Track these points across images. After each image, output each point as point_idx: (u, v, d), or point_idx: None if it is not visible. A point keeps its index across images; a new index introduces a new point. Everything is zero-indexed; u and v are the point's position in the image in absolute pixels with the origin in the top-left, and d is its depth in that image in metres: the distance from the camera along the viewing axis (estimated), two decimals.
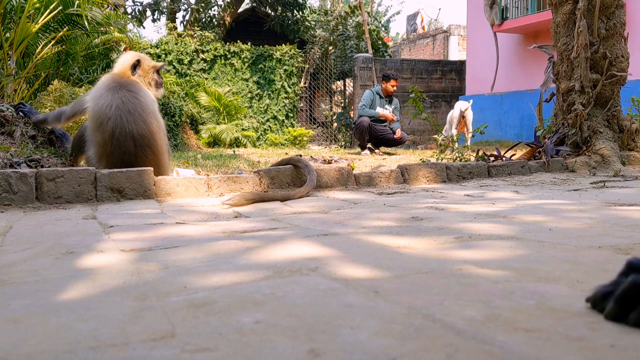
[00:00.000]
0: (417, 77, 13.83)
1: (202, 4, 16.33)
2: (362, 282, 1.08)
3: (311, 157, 6.50)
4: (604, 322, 0.81)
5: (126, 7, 15.57)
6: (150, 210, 2.34)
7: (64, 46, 6.57)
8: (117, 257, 1.38)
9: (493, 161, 4.21)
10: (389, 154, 8.11)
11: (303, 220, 2.00)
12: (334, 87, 15.79)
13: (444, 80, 14.18)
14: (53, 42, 6.10)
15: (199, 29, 14.85)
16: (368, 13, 17.30)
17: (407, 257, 1.31)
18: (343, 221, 1.96)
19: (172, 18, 16.86)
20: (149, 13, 16.62)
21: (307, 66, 13.97)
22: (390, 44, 21.37)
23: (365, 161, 6.07)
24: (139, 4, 16.56)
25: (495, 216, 2.02)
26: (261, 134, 13.00)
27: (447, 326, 0.81)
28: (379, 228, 1.79)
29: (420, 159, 4.81)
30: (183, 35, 13.72)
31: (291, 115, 13.53)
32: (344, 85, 15.01)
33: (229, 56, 13.15)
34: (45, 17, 5.74)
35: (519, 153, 5.18)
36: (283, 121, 13.38)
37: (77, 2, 6.05)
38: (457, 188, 3.24)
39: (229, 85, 12.86)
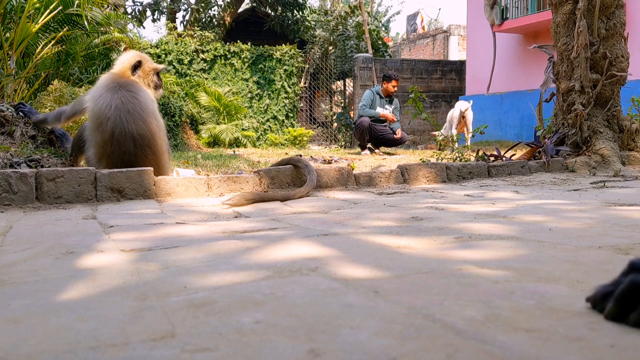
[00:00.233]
0: (417, 77, 13.83)
1: (202, 4, 16.33)
2: (362, 282, 1.08)
3: (311, 157, 6.50)
4: (604, 322, 0.81)
5: (126, 7, 15.58)
6: (150, 210, 2.34)
7: (64, 46, 6.57)
8: (117, 257, 1.38)
9: (493, 161, 4.21)
10: (389, 154, 8.11)
11: (303, 220, 2.00)
12: (334, 87, 15.79)
13: (444, 80, 14.18)
14: (53, 42, 6.10)
15: (199, 29, 14.85)
16: (368, 13, 17.31)
17: (407, 257, 1.31)
18: (343, 221, 1.96)
19: (172, 18, 16.86)
20: (149, 13, 16.63)
21: (307, 66, 13.97)
22: (390, 44, 21.37)
23: (365, 161, 6.07)
24: (139, 4, 16.57)
25: (495, 216, 2.02)
26: (261, 134, 13.00)
27: (447, 326, 0.81)
28: (379, 228, 1.79)
29: (420, 159, 4.81)
30: (183, 35, 13.72)
31: (291, 115, 13.53)
32: (344, 85, 15.01)
33: (229, 56, 13.16)
34: (45, 17, 5.74)
35: (519, 153, 5.18)
36: (283, 121, 13.38)
37: (77, 2, 6.05)
38: (457, 188, 3.24)
39: (229, 85, 12.86)
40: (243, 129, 11.82)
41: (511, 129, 11.72)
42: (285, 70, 13.41)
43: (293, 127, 13.04)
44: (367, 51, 13.54)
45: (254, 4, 17.76)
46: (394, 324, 0.83)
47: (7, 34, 5.54)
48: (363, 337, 0.77)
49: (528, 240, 1.52)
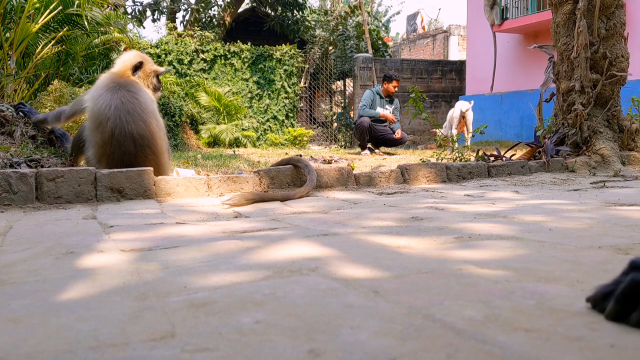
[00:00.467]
0: (417, 77, 13.84)
1: (202, 4, 16.33)
2: (362, 282, 1.08)
3: (311, 157, 6.50)
4: (604, 322, 0.81)
5: (126, 7, 15.58)
6: (150, 210, 2.34)
7: (64, 46, 6.57)
8: (117, 257, 1.38)
9: (493, 161, 4.21)
10: (389, 154, 8.11)
11: (303, 220, 2.00)
12: (334, 87, 15.79)
13: (444, 80, 14.18)
14: (53, 42, 6.10)
15: (199, 29, 14.85)
16: (368, 13, 17.31)
17: (407, 257, 1.31)
18: (343, 221, 1.96)
19: (172, 18, 16.86)
20: (149, 13, 16.63)
21: (307, 66, 13.97)
22: (390, 44, 21.37)
23: (365, 161, 6.07)
24: (139, 4, 16.57)
25: (495, 216, 2.02)
26: (261, 134, 13.00)
27: (447, 326, 0.81)
28: (379, 228, 1.79)
29: (420, 159, 4.81)
30: (183, 35, 13.72)
31: (291, 115, 13.53)
32: (344, 85, 15.01)
33: (229, 56, 13.16)
34: (45, 17, 5.74)
35: (519, 153, 5.18)
36: (283, 121, 13.38)
37: (77, 2, 6.05)
38: (457, 188, 3.24)
39: (229, 85, 12.86)
40: (243, 129, 11.82)
41: (511, 129, 11.72)
42: (285, 70, 13.41)
43: (293, 127, 13.04)
44: (367, 51, 13.54)
45: (254, 4, 17.76)
46: (394, 324, 0.83)
47: (7, 34, 5.54)
48: (363, 337, 0.77)
49: (528, 240, 1.52)
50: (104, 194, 2.63)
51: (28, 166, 3.11)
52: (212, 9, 16.90)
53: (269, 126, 13.29)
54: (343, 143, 12.49)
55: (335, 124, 13.99)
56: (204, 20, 16.69)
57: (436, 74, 14.15)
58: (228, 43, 13.35)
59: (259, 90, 13.32)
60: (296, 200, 2.69)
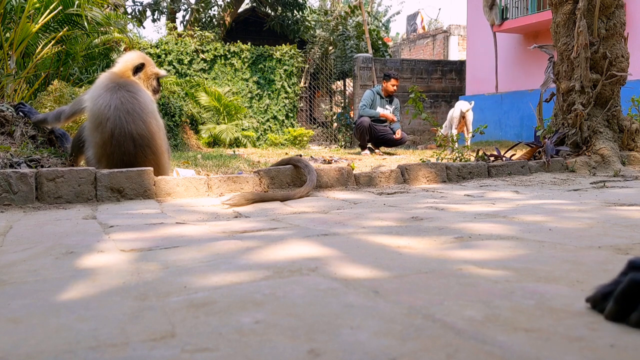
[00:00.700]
0: (417, 77, 13.84)
1: (202, 4, 16.33)
2: (362, 282, 1.08)
3: (311, 157, 6.50)
4: (604, 322, 0.81)
5: (126, 7, 15.58)
6: (150, 210, 2.34)
7: (64, 46, 6.57)
8: (117, 257, 1.38)
9: (493, 161, 4.21)
10: (389, 154, 8.11)
11: (303, 220, 2.00)
12: (334, 87, 15.79)
13: (444, 80, 14.18)
14: (53, 42, 6.10)
15: (199, 29, 14.85)
16: (368, 13, 17.31)
17: (407, 257, 1.31)
18: (343, 221, 1.96)
19: (172, 18, 16.86)
20: (149, 13, 16.63)
21: (307, 66, 13.97)
22: (390, 44, 21.37)
23: (365, 161, 6.07)
24: (139, 4, 16.57)
25: (495, 216, 2.02)
26: (261, 134, 13.01)
27: (447, 326, 0.81)
28: (379, 228, 1.79)
29: (420, 159, 4.81)
30: (183, 35, 13.72)
31: (291, 115, 13.54)
32: (344, 85, 15.01)
33: (229, 56, 13.16)
34: (45, 17, 5.74)
35: (519, 153, 5.18)
36: (283, 121, 13.39)
37: (77, 2, 6.05)
38: (457, 188, 3.24)
39: (229, 85, 12.86)
40: (243, 129, 11.82)
41: (511, 129, 11.72)
42: (285, 70, 13.41)
43: (293, 127, 13.04)
44: (367, 51, 13.54)
45: (254, 4, 17.76)
46: (394, 324, 0.83)
47: (7, 34, 5.54)
48: (363, 337, 0.77)
49: (528, 240, 1.52)
50: (104, 194, 2.63)
51: (28, 166, 3.11)
52: (212, 9, 16.91)
53: (269, 126, 13.30)
54: (343, 143, 12.49)
55: (335, 124, 13.99)
56: (204, 20, 16.70)
57: (436, 74, 14.15)
58: (228, 43, 13.35)
59: (259, 90, 13.32)
60: (296, 200, 2.69)
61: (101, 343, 0.77)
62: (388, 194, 2.97)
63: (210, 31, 14.85)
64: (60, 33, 6.11)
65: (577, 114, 4.58)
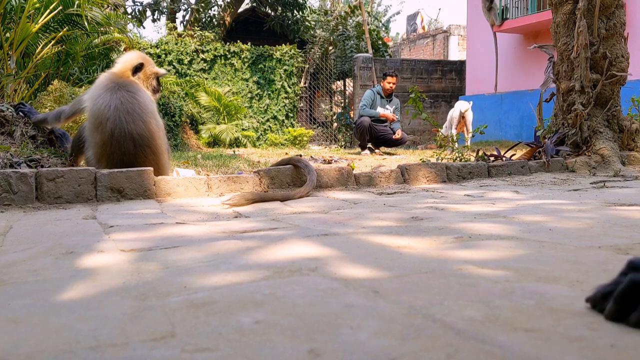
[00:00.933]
0: (417, 77, 13.83)
1: (202, 4, 16.33)
2: (362, 282, 1.08)
3: (311, 157, 6.50)
4: (604, 322, 0.81)
5: (126, 7, 15.58)
6: (150, 210, 2.34)
7: (64, 46, 6.57)
8: (117, 257, 1.38)
9: (493, 161, 4.21)
10: (389, 154, 8.11)
11: (303, 220, 2.00)
12: (334, 87, 15.79)
13: (444, 80, 14.18)
14: (53, 42, 6.10)
15: (199, 29, 14.85)
16: (368, 13, 17.31)
17: (407, 257, 1.31)
18: (343, 221, 1.96)
19: (172, 18, 16.86)
20: (149, 13, 16.63)
21: (307, 66, 13.97)
22: (390, 44, 21.37)
23: (365, 161, 6.07)
24: (139, 4, 16.57)
25: (495, 216, 2.02)
26: (261, 134, 13.00)
27: (447, 326, 0.81)
28: (379, 228, 1.79)
29: (420, 159, 4.81)
30: (183, 35, 13.72)
31: (291, 115, 13.54)
32: (344, 85, 15.01)
33: (229, 56, 13.16)
34: (45, 17, 5.74)
35: (519, 153, 5.18)
36: (283, 121, 13.39)
37: (77, 2, 6.05)
38: (457, 188, 3.24)
39: (229, 85, 12.86)
40: (243, 129, 11.82)
41: (511, 129, 11.72)
42: (285, 70, 13.41)
43: (293, 127, 13.04)
44: (367, 51, 13.54)
45: (254, 4, 17.76)
46: (394, 324, 0.83)
47: (7, 34, 5.54)
48: (363, 337, 0.77)
49: (528, 240, 1.52)
50: (104, 194, 2.63)
51: (28, 166, 3.11)
52: (212, 9, 16.91)
53: (269, 126, 13.29)
54: (343, 143, 12.49)
55: (335, 124, 13.99)
56: (204, 20, 16.70)
57: (436, 74, 14.15)
58: (228, 43, 13.35)
59: (259, 90, 13.32)
60: (296, 200, 2.69)
61: (101, 343, 0.77)
62: (388, 194, 2.97)
63: (210, 31, 14.85)
64: (60, 33, 6.11)
65: (577, 114, 4.58)
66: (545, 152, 4.30)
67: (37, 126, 3.84)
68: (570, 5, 4.71)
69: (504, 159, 4.33)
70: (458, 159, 4.66)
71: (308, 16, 17.45)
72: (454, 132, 8.64)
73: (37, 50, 6.00)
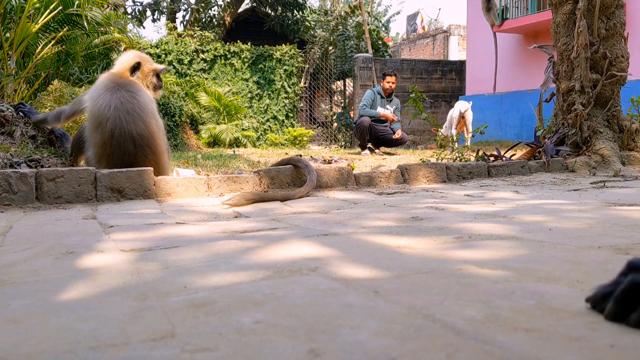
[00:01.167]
0: (417, 77, 13.83)
1: (202, 4, 16.33)
2: (362, 282, 1.08)
3: (311, 157, 6.50)
4: (604, 322, 0.81)
5: (126, 7, 15.57)
6: (150, 210, 2.34)
7: (64, 46, 6.57)
8: (117, 257, 1.38)
9: (493, 161, 4.21)
10: (389, 154, 8.11)
11: (303, 220, 2.00)
12: (334, 87, 15.79)
13: (444, 80, 14.18)
14: (53, 42, 6.10)
15: (199, 29, 14.85)
16: (368, 13, 17.31)
17: (407, 257, 1.31)
18: (343, 221, 1.96)
19: (172, 18, 16.86)
20: (149, 13, 16.63)
21: (307, 66, 13.97)
22: (390, 44, 21.37)
23: (365, 161, 6.07)
24: (139, 4, 16.57)
25: (495, 216, 2.02)
26: (261, 134, 13.00)
27: (447, 326, 0.81)
28: (379, 228, 1.79)
29: (420, 159, 4.81)
30: (183, 35, 13.72)
31: (291, 115, 13.54)
32: (344, 85, 15.01)
33: (229, 56, 13.16)
34: (45, 17, 5.74)
35: (519, 153, 5.18)
36: (283, 121, 13.39)
37: (77, 2, 6.05)
38: (457, 188, 3.24)
39: (229, 85, 12.86)
40: (243, 129, 11.82)
41: (511, 129, 11.72)
42: (285, 70, 13.41)
43: (293, 127, 13.04)
44: (367, 51, 13.54)
45: (254, 4, 17.76)
46: (394, 324, 0.83)
47: (7, 34, 5.54)
48: (363, 337, 0.77)
49: (528, 240, 1.52)
50: (104, 194, 2.63)
51: (28, 166, 3.11)
52: (212, 9, 16.91)
53: (269, 126, 13.29)
54: (343, 143, 12.49)
55: (335, 124, 14.00)
56: (204, 20, 16.70)
57: (436, 74, 14.15)
58: (228, 43, 13.35)
59: (259, 90, 13.32)
60: (296, 200, 2.69)
61: (101, 343, 0.77)
62: (388, 194, 2.97)
63: (210, 31, 14.85)
64: (60, 33, 6.11)
65: (577, 114, 4.58)
66: (545, 152, 4.30)
67: (37, 126, 3.85)
68: (570, 5, 4.71)
69: (504, 159, 4.33)
70: (458, 159, 4.66)
71: (308, 16, 17.45)
72: (454, 132, 8.64)
73: (37, 50, 6.00)
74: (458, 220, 1.91)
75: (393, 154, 7.92)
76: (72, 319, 0.89)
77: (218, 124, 11.44)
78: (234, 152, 8.08)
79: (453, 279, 1.10)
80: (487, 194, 2.93)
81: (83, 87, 6.66)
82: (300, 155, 5.50)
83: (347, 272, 1.17)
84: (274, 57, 13.36)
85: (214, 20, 16.78)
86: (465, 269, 1.18)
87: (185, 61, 12.79)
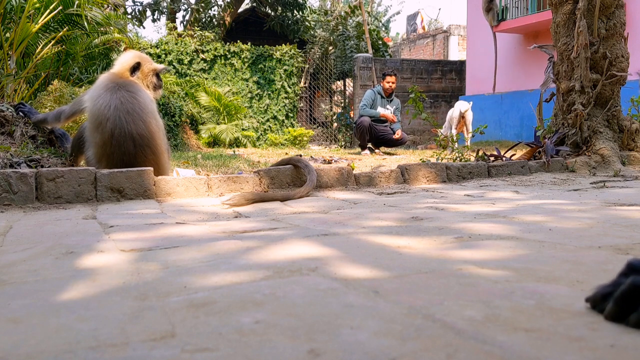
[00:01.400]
0: (417, 77, 13.83)
1: (202, 4, 16.33)
2: (362, 282, 1.08)
3: (311, 157, 6.50)
4: (604, 322, 0.81)
5: (126, 7, 15.57)
6: (150, 210, 2.34)
7: (64, 46, 6.58)
8: (117, 257, 1.38)
9: (493, 161, 4.21)
10: (389, 154, 8.11)
11: (303, 220, 2.00)
12: (334, 87, 15.79)
13: (444, 80, 14.18)
14: (53, 42, 6.10)
15: (199, 29, 14.85)
16: (368, 13, 17.31)
17: (407, 257, 1.31)
18: (343, 221, 1.96)
19: (172, 18, 16.86)
20: (149, 13, 16.63)
21: (307, 66, 13.97)
22: (390, 44, 21.37)
23: (365, 161, 6.07)
24: (139, 4, 16.57)
25: (495, 216, 2.02)
26: (261, 134, 13.00)
27: (447, 326, 0.81)
28: (379, 228, 1.79)
29: (420, 159, 4.81)
30: (183, 35, 13.72)
31: (291, 115, 13.54)
32: (344, 85, 15.01)
33: (229, 56, 13.16)
34: (45, 17, 5.74)
35: (519, 153, 5.18)
36: (283, 121, 13.39)
37: (77, 2, 6.05)
38: (457, 188, 3.24)
39: (229, 85, 12.86)
40: (243, 129, 11.82)
41: (511, 129, 11.72)
42: (285, 70, 13.41)
43: (293, 127, 13.04)
44: (367, 51, 13.54)
45: (254, 4, 17.76)
46: (394, 324, 0.83)
47: (7, 34, 5.54)
48: (363, 337, 0.77)
49: (528, 240, 1.52)
50: (104, 194, 2.63)
51: (28, 166, 3.11)
52: (212, 9, 16.91)
53: (269, 126, 13.29)
54: (343, 143, 12.49)
55: (335, 124, 14.00)
56: (204, 20, 16.69)
57: (436, 74, 14.15)
58: (228, 43, 13.35)
59: (259, 90, 13.32)
60: (296, 200, 2.69)
61: (101, 343, 0.77)
62: (388, 194, 2.97)
63: (210, 31, 14.85)
64: (60, 33, 6.11)
65: (577, 114, 4.58)
66: (545, 152, 4.30)
67: (37, 126, 3.85)
68: (570, 5, 4.71)
69: (504, 159, 4.33)
70: (458, 159, 4.66)
71: (308, 16, 17.45)
72: (454, 132, 8.64)
73: (37, 50, 6.00)
74: (458, 220, 1.91)
75: (393, 154, 7.92)
76: (72, 319, 0.89)
77: (218, 124, 11.44)
78: (234, 152, 8.08)
79: (453, 279, 1.10)
80: (487, 194, 2.93)
81: (83, 87, 6.66)
82: (300, 155, 5.50)
83: (347, 272, 1.17)
84: (274, 57, 13.36)
85: (214, 20, 16.78)
86: (465, 269, 1.18)
87: (185, 61, 12.80)
